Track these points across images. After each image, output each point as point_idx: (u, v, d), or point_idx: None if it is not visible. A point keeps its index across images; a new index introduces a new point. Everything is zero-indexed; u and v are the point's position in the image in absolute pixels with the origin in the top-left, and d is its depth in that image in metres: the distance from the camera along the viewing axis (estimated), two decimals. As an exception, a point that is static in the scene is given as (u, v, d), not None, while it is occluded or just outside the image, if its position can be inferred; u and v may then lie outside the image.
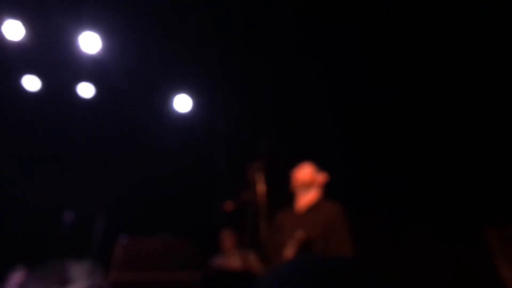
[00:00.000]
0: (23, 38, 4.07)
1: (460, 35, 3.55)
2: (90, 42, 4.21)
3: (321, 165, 2.69)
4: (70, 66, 4.51)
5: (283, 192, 2.68)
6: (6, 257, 3.66)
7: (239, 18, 4.02)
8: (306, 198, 2.57)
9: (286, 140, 4.40)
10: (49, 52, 4.34)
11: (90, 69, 4.53)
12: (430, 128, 3.97)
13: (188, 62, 4.58)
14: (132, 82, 4.74)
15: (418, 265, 3.60)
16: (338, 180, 4.33)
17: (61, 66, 4.54)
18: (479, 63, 3.54)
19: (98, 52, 4.28)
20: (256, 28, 4.09)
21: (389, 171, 4.08)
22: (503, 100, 3.48)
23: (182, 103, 4.94)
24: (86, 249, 3.40)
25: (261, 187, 2.71)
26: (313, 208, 2.51)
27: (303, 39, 4.09)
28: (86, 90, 4.80)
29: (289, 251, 2.26)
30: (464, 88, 3.70)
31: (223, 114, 5.18)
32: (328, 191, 2.66)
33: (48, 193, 4.71)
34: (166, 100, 4.95)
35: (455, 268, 3.40)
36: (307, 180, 2.60)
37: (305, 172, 2.63)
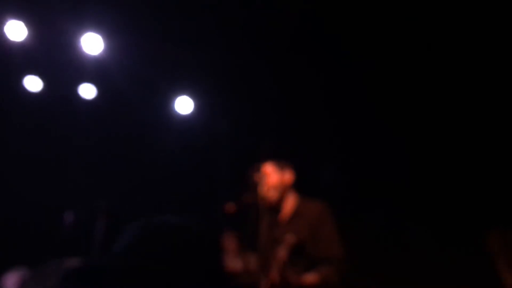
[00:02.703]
0: (25, 39, 4.07)
1: (460, 35, 3.55)
2: (92, 43, 4.21)
3: (321, 166, 2.67)
4: (72, 67, 4.51)
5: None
6: (5, 258, 3.64)
7: (242, 20, 4.02)
8: (287, 206, 2.56)
9: (289, 142, 4.39)
10: (51, 52, 4.34)
11: (92, 70, 4.53)
12: (431, 130, 3.97)
13: (191, 64, 4.58)
14: (133, 83, 4.73)
15: (418, 270, 3.59)
16: (341, 181, 4.33)
17: (63, 67, 4.54)
18: (483, 65, 3.53)
19: (100, 54, 4.28)
20: (259, 30, 4.10)
21: (390, 174, 4.07)
22: (507, 103, 3.47)
23: (184, 104, 4.93)
24: (86, 250, 3.39)
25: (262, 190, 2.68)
26: (297, 213, 2.51)
27: (306, 42, 4.10)
28: (87, 91, 4.80)
29: (282, 254, 2.28)
30: (466, 91, 3.70)
31: (225, 116, 5.18)
32: (331, 192, 2.63)
33: (48, 194, 4.71)
34: (168, 102, 4.95)
35: (456, 273, 3.39)
36: (278, 190, 2.53)
37: (272, 182, 2.52)
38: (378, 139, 4.17)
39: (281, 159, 2.64)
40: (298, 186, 2.62)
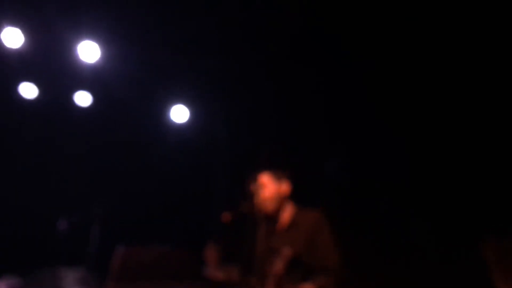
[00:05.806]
0: (21, 46, 4.08)
1: (460, 35, 3.55)
2: (89, 51, 4.22)
3: (321, 171, 2.64)
4: (68, 75, 4.51)
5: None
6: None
7: (239, 26, 4.04)
8: (284, 216, 2.56)
9: (287, 146, 4.39)
10: (47, 60, 4.35)
11: (88, 78, 4.54)
12: (428, 137, 3.98)
13: (187, 71, 4.60)
14: (129, 91, 4.74)
15: (413, 277, 3.60)
16: (339, 185, 4.33)
17: (59, 74, 4.55)
18: (484, 66, 3.52)
19: (97, 61, 4.30)
20: (256, 37, 4.12)
21: (387, 181, 4.08)
22: (506, 110, 3.48)
23: (180, 113, 4.94)
24: (81, 258, 3.36)
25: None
26: (293, 223, 2.50)
27: (303, 48, 4.11)
28: (83, 98, 4.80)
29: (278, 268, 2.29)
30: (465, 98, 3.71)
31: (222, 124, 5.18)
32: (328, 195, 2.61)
33: (43, 201, 4.67)
34: (164, 109, 4.95)
35: (450, 281, 3.40)
36: (274, 201, 2.51)
37: (268, 193, 2.51)
38: (379, 140, 4.16)
39: (279, 167, 2.64)
40: (299, 188, 2.61)
